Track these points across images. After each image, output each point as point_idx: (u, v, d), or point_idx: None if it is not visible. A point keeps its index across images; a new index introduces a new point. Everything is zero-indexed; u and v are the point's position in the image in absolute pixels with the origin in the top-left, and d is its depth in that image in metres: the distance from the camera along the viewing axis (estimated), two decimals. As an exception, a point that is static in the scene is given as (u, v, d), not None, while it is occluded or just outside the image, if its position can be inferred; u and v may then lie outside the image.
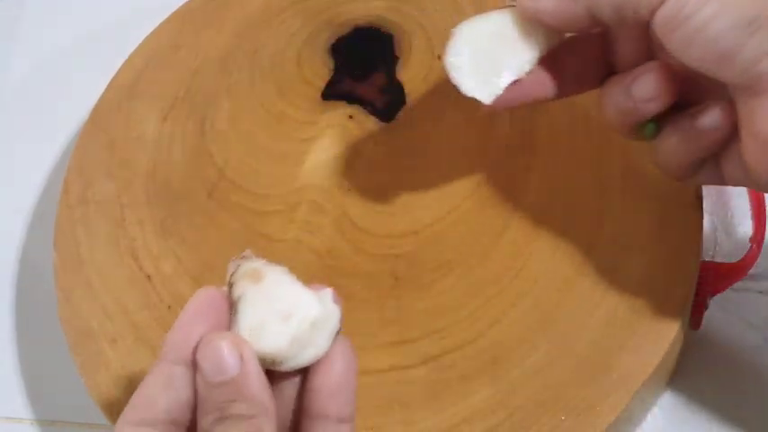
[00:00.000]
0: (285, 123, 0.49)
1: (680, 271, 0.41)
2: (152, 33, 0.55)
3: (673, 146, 0.34)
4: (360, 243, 0.44)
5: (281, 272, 0.31)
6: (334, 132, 0.48)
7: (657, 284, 0.40)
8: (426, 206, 0.45)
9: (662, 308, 0.40)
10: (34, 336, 0.53)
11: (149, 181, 0.48)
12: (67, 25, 0.66)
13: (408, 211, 0.45)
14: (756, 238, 0.44)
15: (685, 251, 0.41)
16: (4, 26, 0.67)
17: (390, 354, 0.41)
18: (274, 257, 0.31)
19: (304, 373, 0.30)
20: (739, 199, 0.49)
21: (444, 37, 0.45)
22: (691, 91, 0.35)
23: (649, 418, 0.44)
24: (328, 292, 0.30)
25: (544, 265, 0.42)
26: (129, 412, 0.29)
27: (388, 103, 0.48)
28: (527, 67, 0.36)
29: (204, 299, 0.30)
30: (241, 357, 0.28)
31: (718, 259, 0.47)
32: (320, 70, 0.50)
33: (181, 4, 0.56)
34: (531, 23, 0.36)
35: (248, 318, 0.29)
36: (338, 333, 0.30)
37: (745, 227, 0.47)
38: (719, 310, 0.46)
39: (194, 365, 0.29)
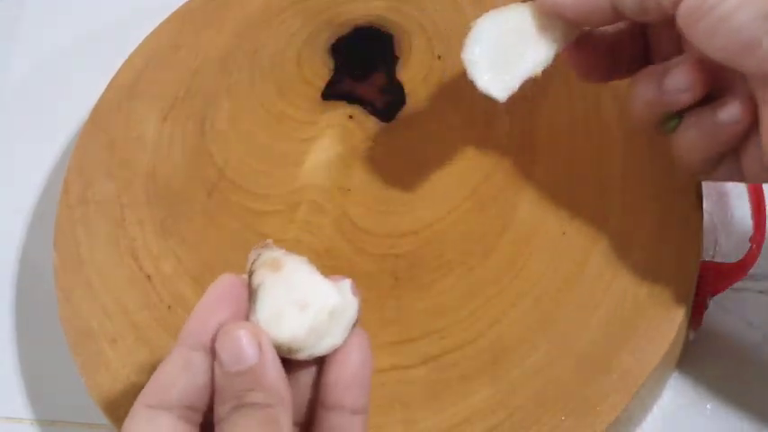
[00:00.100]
0: (285, 123, 0.49)
1: (680, 271, 0.41)
2: (152, 33, 0.55)
3: (693, 140, 0.35)
4: (360, 243, 0.44)
5: (300, 262, 0.31)
6: (334, 132, 0.48)
7: (657, 284, 0.40)
8: (426, 206, 0.45)
9: (662, 308, 0.40)
10: (34, 336, 0.53)
11: (149, 181, 0.48)
12: (67, 25, 0.66)
13: (408, 211, 0.45)
14: (756, 238, 0.44)
15: (685, 251, 0.41)
16: (4, 26, 0.67)
17: (391, 353, 0.41)
18: (274, 257, 0.31)
19: (320, 363, 0.30)
20: (739, 199, 0.49)
21: (444, 37, 0.45)
22: (712, 86, 0.35)
23: (649, 418, 0.44)
24: (347, 283, 0.30)
25: (544, 265, 0.42)
26: (145, 395, 0.29)
27: (388, 103, 0.48)
28: (544, 64, 0.36)
29: (224, 286, 0.30)
30: (259, 347, 0.29)
31: (718, 259, 0.47)
32: (320, 70, 0.50)
33: (181, 4, 0.56)
34: (550, 18, 0.36)
35: (267, 306, 0.30)
36: (355, 325, 0.30)
37: (745, 227, 0.47)
38: (719, 310, 0.46)
39: (213, 354, 0.29)
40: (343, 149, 0.47)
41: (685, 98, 0.34)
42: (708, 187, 0.45)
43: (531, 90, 0.47)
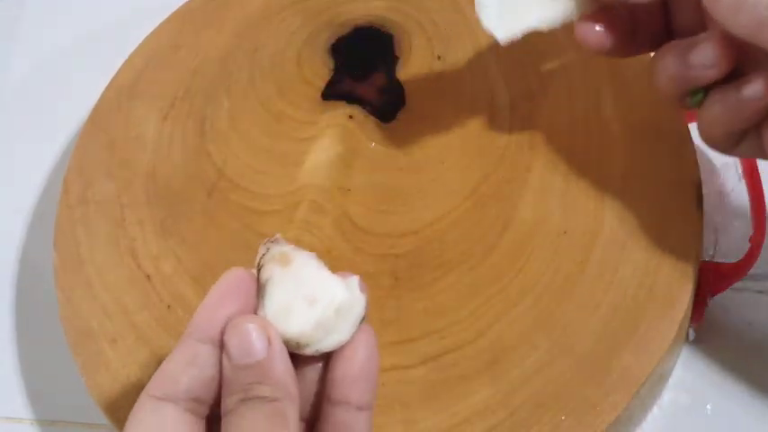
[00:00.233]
0: (285, 123, 0.49)
1: (680, 271, 0.41)
2: (152, 33, 0.55)
3: (717, 114, 0.35)
4: (360, 243, 0.44)
5: (309, 257, 0.31)
6: (334, 132, 0.48)
7: (657, 284, 0.40)
8: (426, 206, 0.45)
9: (662, 308, 0.40)
10: (34, 336, 0.53)
11: (149, 181, 0.48)
12: (67, 25, 0.66)
13: (408, 211, 0.45)
14: (756, 238, 0.44)
15: (685, 251, 0.41)
16: (4, 26, 0.67)
17: (390, 353, 0.41)
18: (274, 257, 0.31)
19: (327, 358, 0.30)
20: (739, 199, 0.49)
21: (444, 37, 0.45)
22: (737, 63, 0.35)
23: (649, 418, 0.44)
24: (355, 280, 0.30)
25: (544, 265, 0.42)
26: (152, 386, 0.29)
27: (388, 103, 0.48)
28: (550, 22, 0.37)
29: (233, 279, 0.30)
30: (268, 341, 0.29)
31: (718, 259, 0.47)
32: (320, 70, 0.50)
33: (181, 4, 0.56)
34: None
35: (275, 300, 0.30)
36: (363, 321, 0.30)
37: (745, 227, 0.47)
38: (719, 310, 0.46)
39: (221, 346, 0.29)
40: (343, 149, 0.47)
41: (711, 74, 0.34)
42: (708, 187, 0.45)
43: (532, 90, 0.47)
